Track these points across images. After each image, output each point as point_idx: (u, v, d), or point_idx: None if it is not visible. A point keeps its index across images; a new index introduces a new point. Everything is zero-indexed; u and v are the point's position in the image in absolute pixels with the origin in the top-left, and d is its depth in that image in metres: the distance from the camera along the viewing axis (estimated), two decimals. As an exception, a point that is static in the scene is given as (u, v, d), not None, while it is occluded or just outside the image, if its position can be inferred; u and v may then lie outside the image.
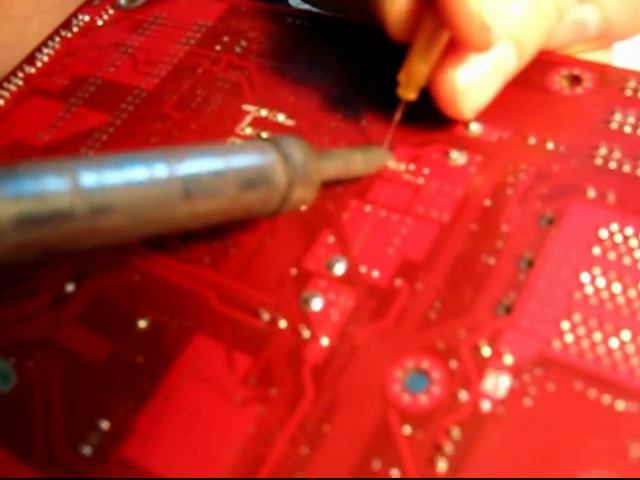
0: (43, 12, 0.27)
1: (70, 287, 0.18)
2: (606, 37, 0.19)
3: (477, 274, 0.16)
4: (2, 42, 0.27)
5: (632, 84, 0.18)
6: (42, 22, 0.27)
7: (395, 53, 0.18)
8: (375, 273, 0.16)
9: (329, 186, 0.18)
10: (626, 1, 0.19)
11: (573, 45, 0.19)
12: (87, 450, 0.16)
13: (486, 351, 0.15)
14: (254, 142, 0.16)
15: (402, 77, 0.18)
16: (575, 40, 0.19)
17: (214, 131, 0.21)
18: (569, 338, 0.15)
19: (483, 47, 0.16)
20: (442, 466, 0.14)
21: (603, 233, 0.16)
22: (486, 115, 0.18)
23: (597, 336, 0.14)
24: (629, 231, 0.16)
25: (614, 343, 0.14)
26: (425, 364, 0.15)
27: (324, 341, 0.16)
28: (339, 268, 0.17)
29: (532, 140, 0.18)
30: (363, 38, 0.22)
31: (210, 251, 0.18)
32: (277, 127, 0.20)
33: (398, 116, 0.18)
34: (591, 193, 0.16)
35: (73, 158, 0.12)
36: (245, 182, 0.15)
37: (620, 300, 0.15)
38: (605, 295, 0.15)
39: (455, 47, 0.17)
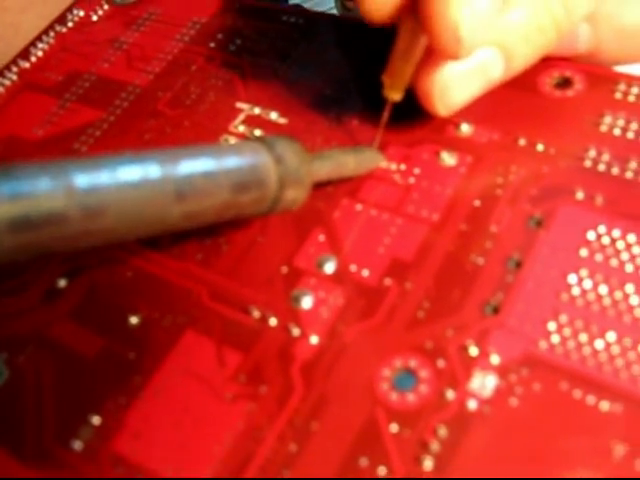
0: (39, 4, 0.27)
1: (62, 282, 0.19)
2: (594, 58, 0.19)
3: (466, 274, 0.16)
4: None
5: (622, 87, 0.18)
6: (38, 14, 0.26)
7: (389, 52, 0.18)
8: (365, 272, 0.17)
9: (320, 185, 0.18)
10: (618, 30, 0.18)
11: (559, 55, 0.19)
12: (78, 445, 0.16)
13: (473, 351, 0.15)
14: (247, 144, 0.16)
15: (386, 78, 0.18)
16: (562, 51, 0.19)
17: (207, 128, 0.21)
18: (555, 339, 0.15)
19: (454, 57, 0.16)
20: (428, 464, 0.14)
21: (591, 235, 0.16)
22: (477, 116, 0.18)
23: (583, 337, 0.15)
24: (616, 233, 0.16)
25: (600, 344, 0.14)
26: (413, 363, 0.15)
27: (313, 339, 0.16)
28: (329, 267, 0.17)
29: (522, 142, 0.18)
30: (357, 37, 0.22)
31: (202, 249, 0.18)
32: (270, 125, 0.20)
33: (385, 117, 0.18)
34: (580, 195, 0.17)
35: (66, 160, 0.13)
36: (237, 185, 0.15)
37: (606, 302, 0.15)
38: (592, 297, 0.15)
39: None
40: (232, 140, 0.20)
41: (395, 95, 0.18)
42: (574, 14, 0.17)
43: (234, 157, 0.15)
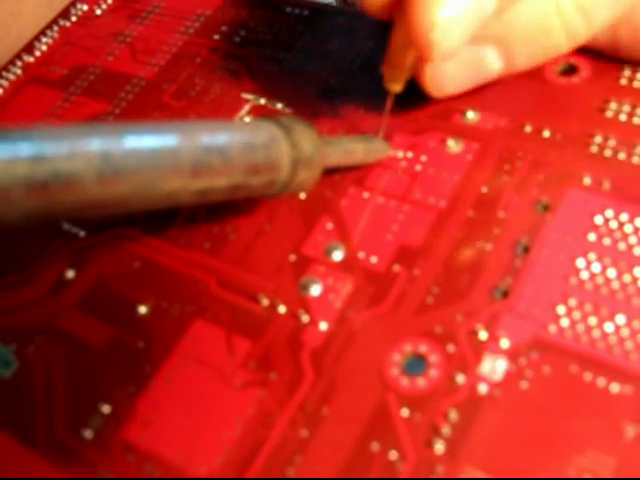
0: None
1: (70, 274, 0.19)
2: (509, 74, 0.18)
3: (474, 260, 0.16)
4: None
5: (627, 73, 0.18)
6: (37, 2, 0.26)
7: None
8: (373, 259, 0.17)
9: (328, 174, 0.18)
10: (528, 38, 0.17)
11: (473, 85, 0.18)
12: (88, 433, 0.16)
13: (483, 335, 0.15)
14: (266, 126, 0.16)
15: (385, 70, 0.18)
16: (474, 81, 0.18)
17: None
18: (565, 322, 0.15)
19: (427, 59, 0.16)
20: (440, 448, 0.14)
21: (598, 219, 0.16)
22: (483, 103, 0.18)
23: (592, 320, 0.15)
24: (624, 217, 0.16)
25: (609, 327, 0.14)
26: (423, 348, 0.15)
27: (323, 326, 0.16)
28: (337, 254, 0.17)
29: (528, 128, 0.18)
30: (361, 27, 0.22)
31: (210, 237, 0.18)
32: (276, 115, 0.20)
33: (388, 108, 0.18)
34: (587, 180, 0.17)
35: (86, 125, 0.13)
36: (251, 167, 0.15)
37: (615, 285, 0.15)
38: (600, 280, 0.15)
39: None
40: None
41: (395, 86, 0.18)
42: (593, 20, 0.17)
43: (251, 139, 0.15)
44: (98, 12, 0.26)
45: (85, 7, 0.26)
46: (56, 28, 0.25)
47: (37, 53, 0.25)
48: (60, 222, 0.19)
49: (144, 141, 0.13)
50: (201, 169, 0.14)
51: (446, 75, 0.17)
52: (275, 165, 0.15)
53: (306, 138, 0.16)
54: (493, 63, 0.17)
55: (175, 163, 0.13)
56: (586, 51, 0.18)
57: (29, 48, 0.25)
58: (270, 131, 0.15)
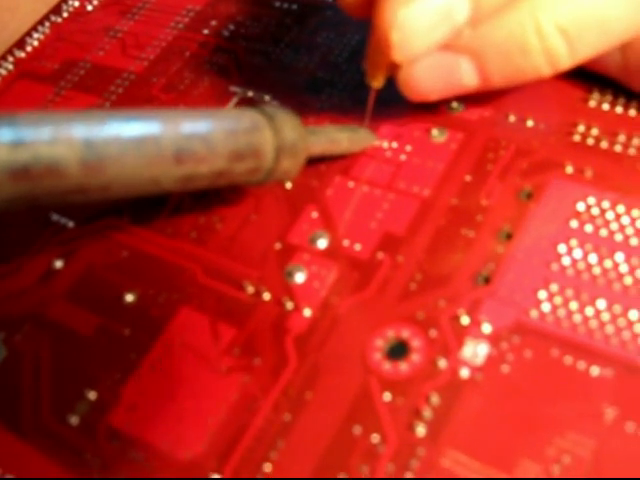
0: None
1: (59, 263, 0.19)
2: (484, 89, 0.17)
3: (457, 246, 0.16)
4: None
5: (611, 64, 0.18)
6: None
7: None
8: (357, 246, 0.17)
9: (314, 163, 0.18)
10: (503, 55, 0.16)
11: (448, 95, 0.18)
12: (74, 420, 0.16)
13: (465, 320, 0.15)
14: (249, 114, 0.16)
15: (366, 66, 0.18)
16: (449, 90, 0.18)
17: (201, 112, 0.21)
18: (546, 307, 0.15)
19: (390, 59, 0.16)
20: (421, 431, 0.14)
21: (580, 206, 0.16)
22: (467, 94, 0.18)
23: (573, 305, 0.15)
24: (605, 205, 0.16)
25: (590, 311, 0.15)
26: (405, 333, 0.15)
27: (307, 312, 0.16)
28: (322, 242, 0.17)
29: (512, 118, 0.18)
30: (348, 21, 0.22)
31: (196, 227, 0.18)
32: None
33: (371, 102, 0.19)
34: (569, 169, 0.17)
35: (69, 112, 0.13)
36: (234, 153, 0.15)
37: (596, 270, 0.15)
38: (582, 266, 0.15)
39: None
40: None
41: (376, 82, 0.18)
42: (577, 47, 0.16)
43: (234, 126, 0.15)
44: (89, 8, 0.26)
45: (77, 3, 0.26)
46: (48, 24, 0.26)
47: (28, 48, 0.25)
48: (46, 210, 0.20)
49: (127, 128, 0.13)
50: (184, 155, 0.14)
51: (419, 79, 0.17)
52: (258, 151, 0.15)
53: (289, 125, 0.16)
54: (468, 76, 0.17)
55: (158, 149, 0.13)
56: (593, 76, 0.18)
57: (20, 43, 0.25)
58: (253, 118, 0.16)
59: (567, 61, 0.16)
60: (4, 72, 0.24)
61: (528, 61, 0.16)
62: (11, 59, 0.25)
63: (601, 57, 0.17)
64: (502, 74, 0.17)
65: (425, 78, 0.17)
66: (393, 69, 0.17)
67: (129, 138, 0.13)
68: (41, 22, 0.26)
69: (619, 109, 0.17)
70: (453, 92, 0.18)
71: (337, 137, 0.18)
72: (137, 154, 0.13)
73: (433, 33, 0.16)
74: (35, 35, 0.25)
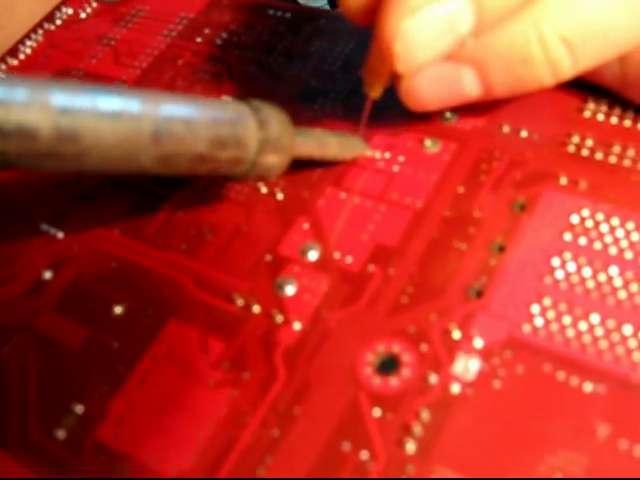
0: None
1: (48, 274, 0.19)
2: (487, 99, 0.17)
3: (450, 259, 0.16)
4: None
5: (606, 73, 0.18)
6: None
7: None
8: (349, 259, 0.17)
9: (305, 173, 0.18)
10: (506, 65, 0.16)
11: (450, 105, 0.18)
12: (61, 434, 0.16)
13: (456, 334, 0.15)
14: (234, 103, 0.16)
15: (365, 75, 0.18)
16: (452, 101, 0.17)
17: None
18: (539, 321, 0.15)
19: (393, 70, 0.16)
20: (411, 448, 0.14)
21: (574, 218, 0.16)
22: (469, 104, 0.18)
23: (567, 319, 0.15)
24: (600, 217, 0.16)
25: (583, 326, 0.14)
26: (396, 348, 0.15)
27: (297, 325, 0.16)
28: (313, 254, 0.17)
29: (506, 128, 0.18)
30: (341, 29, 0.22)
31: (187, 238, 0.18)
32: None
33: (366, 112, 0.18)
34: (563, 180, 0.17)
35: (49, 80, 0.13)
36: (216, 139, 0.15)
37: (590, 284, 0.15)
38: (575, 279, 0.15)
39: None
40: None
41: (374, 92, 0.18)
42: (580, 57, 0.16)
43: (217, 112, 0.15)
44: (83, 15, 0.26)
45: (70, 11, 0.26)
46: (40, 31, 0.25)
47: (21, 56, 0.25)
48: (38, 224, 0.19)
49: (106, 101, 0.13)
50: (162, 134, 0.14)
51: (422, 89, 0.17)
52: (241, 141, 0.15)
53: (275, 120, 0.16)
54: (471, 86, 0.17)
55: (136, 125, 0.13)
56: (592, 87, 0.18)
57: (13, 51, 0.25)
58: (238, 108, 0.15)
59: (570, 71, 0.16)
60: (-4, 80, 0.24)
61: (531, 71, 0.16)
62: (3, 67, 0.25)
63: (599, 67, 0.17)
64: (505, 84, 0.17)
65: (427, 88, 0.17)
66: (393, 79, 0.17)
67: (106, 111, 0.13)
68: (34, 30, 0.25)
69: (614, 120, 0.17)
70: (455, 102, 0.17)
71: (326, 141, 0.18)
72: (114, 128, 0.13)
73: (437, 44, 0.16)
74: (28, 42, 0.25)
